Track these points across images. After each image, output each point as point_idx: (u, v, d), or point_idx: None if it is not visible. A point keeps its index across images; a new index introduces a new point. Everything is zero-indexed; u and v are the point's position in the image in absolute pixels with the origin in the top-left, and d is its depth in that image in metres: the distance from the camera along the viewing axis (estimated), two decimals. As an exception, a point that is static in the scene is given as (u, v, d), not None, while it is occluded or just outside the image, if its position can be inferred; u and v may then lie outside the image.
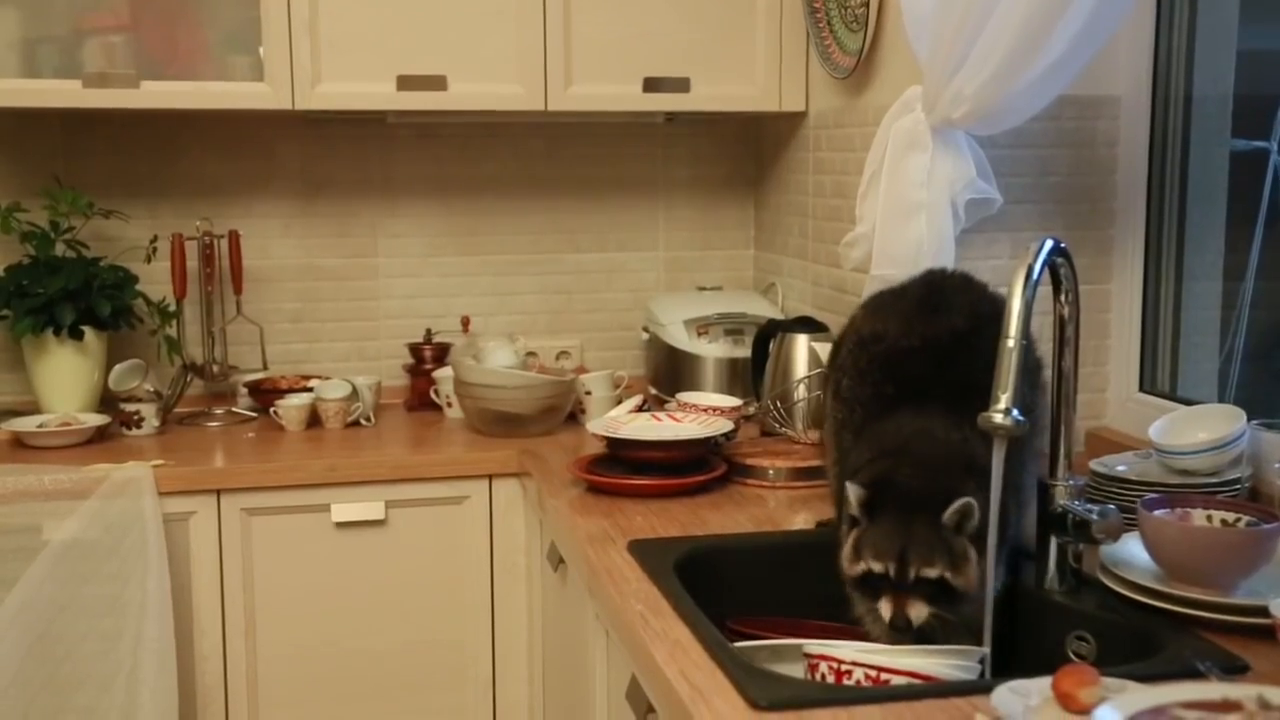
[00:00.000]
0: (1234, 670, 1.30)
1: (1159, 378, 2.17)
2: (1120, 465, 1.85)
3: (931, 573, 1.42)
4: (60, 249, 2.62)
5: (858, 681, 1.31)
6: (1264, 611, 1.35)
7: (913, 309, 1.67)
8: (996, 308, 1.61)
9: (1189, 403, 1.98)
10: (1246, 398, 2.00)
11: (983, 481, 1.41)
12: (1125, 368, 2.18)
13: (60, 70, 2.45)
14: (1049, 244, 1.44)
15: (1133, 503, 1.65)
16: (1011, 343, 1.36)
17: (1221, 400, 2.01)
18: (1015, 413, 1.34)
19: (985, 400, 1.45)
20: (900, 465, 1.50)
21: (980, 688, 1.24)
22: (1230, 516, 1.52)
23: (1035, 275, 1.40)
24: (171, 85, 2.47)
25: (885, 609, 1.43)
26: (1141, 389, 2.17)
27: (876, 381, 1.64)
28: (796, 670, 1.40)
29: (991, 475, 1.38)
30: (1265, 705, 0.88)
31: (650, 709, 1.47)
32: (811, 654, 1.36)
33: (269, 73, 2.49)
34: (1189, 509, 1.53)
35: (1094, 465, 1.85)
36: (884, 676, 1.30)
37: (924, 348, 1.62)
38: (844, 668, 1.32)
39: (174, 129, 2.79)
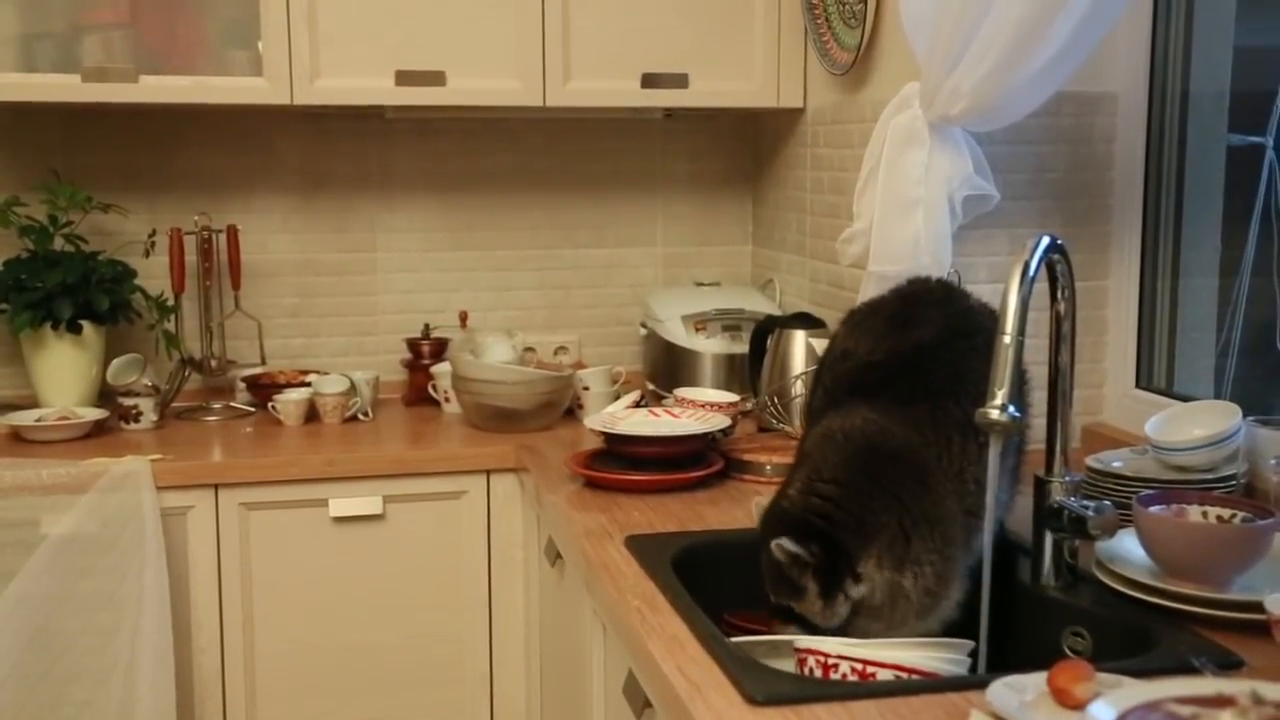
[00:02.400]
0: (1229, 665, 1.30)
1: (1155, 374, 2.18)
2: (1116, 461, 1.86)
3: (782, 601, 1.46)
4: (59, 243, 2.62)
5: (844, 675, 1.32)
6: (1259, 607, 1.35)
7: (884, 325, 1.64)
8: (971, 322, 1.61)
9: (1185, 399, 1.99)
10: (1242, 393, 2.01)
11: (886, 469, 1.45)
12: (1122, 364, 2.19)
13: (59, 65, 2.45)
14: (1045, 240, 1.44)
15: (1128, 499, 1.65)
16: (1008, 339, 1.36)
17: (1217, 396, 2.01)
18: (1012, 409, 1.34)
19: (936, 399, 1.50)
20: (789, 483, 1.53)
21: (976, 683, 1.25)
22: (1225, 512, 1.52)
23: (1032, 272, 1.40)
24: (170, 80, 2.48)
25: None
26: (1138, 385, 2.17)
27: (836, 393, 1.62)
28: (793, 665, 1.40)
29: (988, 473, 1.39)
30: (1259, 700, 0.88)
31: (647, 704, 1.48)
32: (800, 648, 1.37)
33: (267, 68, 2.49)
34: (1184, 505, 1.54)
35: (1090, 461, 1.85)
36: (870, 669, 1.31)
37: (885, 362, 1.59)
38: (830, 661, 1.33)
39: (172, 123, 2.79)
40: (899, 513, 1.43)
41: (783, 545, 1.42)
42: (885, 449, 1.48)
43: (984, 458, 1.44)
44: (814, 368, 1.80)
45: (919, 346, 1.58)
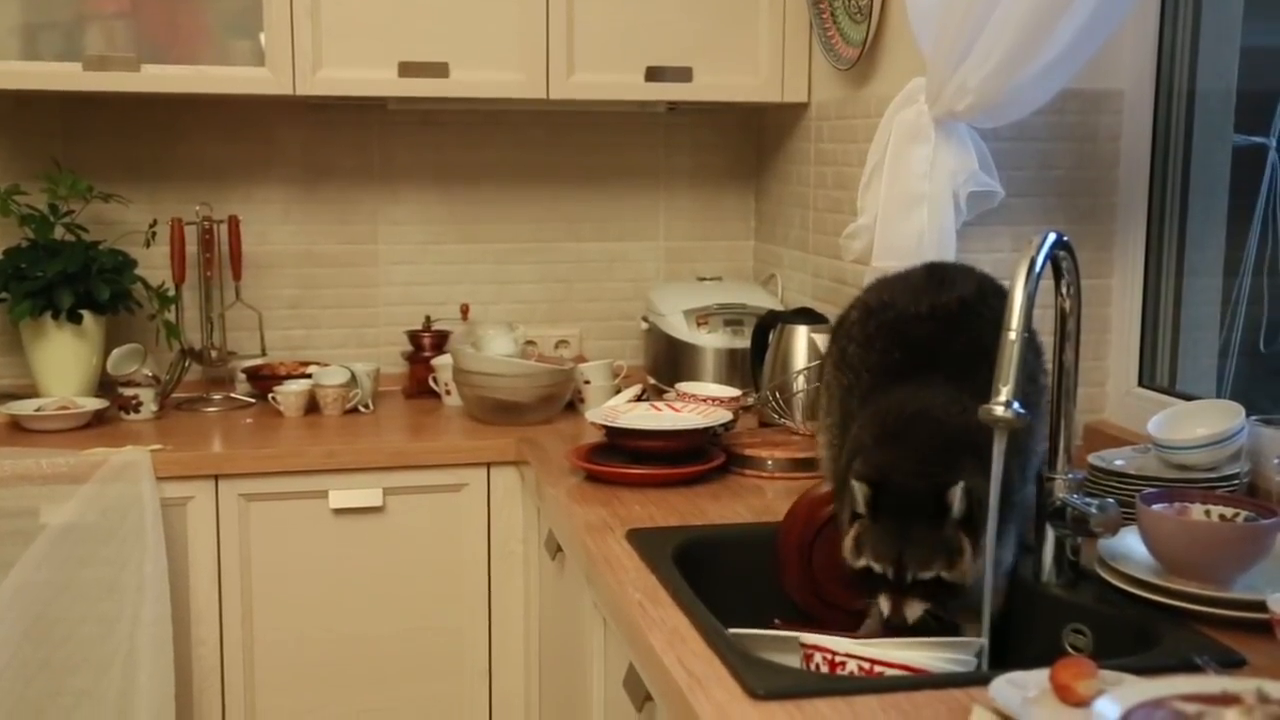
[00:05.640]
0: (1231, 664, 1.30)
1: (1158, 372, 2.17)
2: (1118, 460, 1.85)
3: (927, 575, 1.43)
4: (59, 232, 2.62)
5: (851, 673, 1.31)
6: (1261, 606, 1.35)
7: (920, 284, 1.67)
8: (1000, 286, 1.65)
9: (1188, 398, 1.99)
10: (1241, 393, 2.00)
11: (985, 459, 1.41)
12: (1125, 362, 2.18)
13: (61, 53, 2.44)
14: (1052, 237, 1.44)
15: (1130, 497, 1.66)
16: (1013, 335, 1.35)
17: (1219, 396, 2.01)
18: (1016, 405, 1.33)
19: (989, 359, 1.44)
20: (901, 457, 1.48)
21: (978, 679, 1.24)
22: (1228, 511, 1.52)
23: (1038, 268, 1.40)
24: (172, 69, 2.47)
25: (884, 606, 1.45)
26: (1141, 384, 2.17)
27: (884, 348, 1.62)
28: (794, 660, 1.40)
29: (992, 464, 1.38)
30: (1264, 699, 0.88)
31: (648, 697, 1.47)
32: (806, 645, 1.36)
33: (270, 58, 2.48)
34: (1187, 504, 1.53)
35: (1092, 459, 1.85)
36: (878, 669, 1.30)
37: (932, 315, 1.60)
38: (838, 659, 1.32)
39: (174, 113, 2.78)
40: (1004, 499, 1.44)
41: (966, 487, 1.41)
42: (979, 440, 1.43)
43: (1032, 428, 1.48)
44: (834, 327, 1.78)
45: (963, 301, 1.60)
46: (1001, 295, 1.58)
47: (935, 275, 1.69)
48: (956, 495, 1.41)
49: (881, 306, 1.66)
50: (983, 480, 1.41)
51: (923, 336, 1.59)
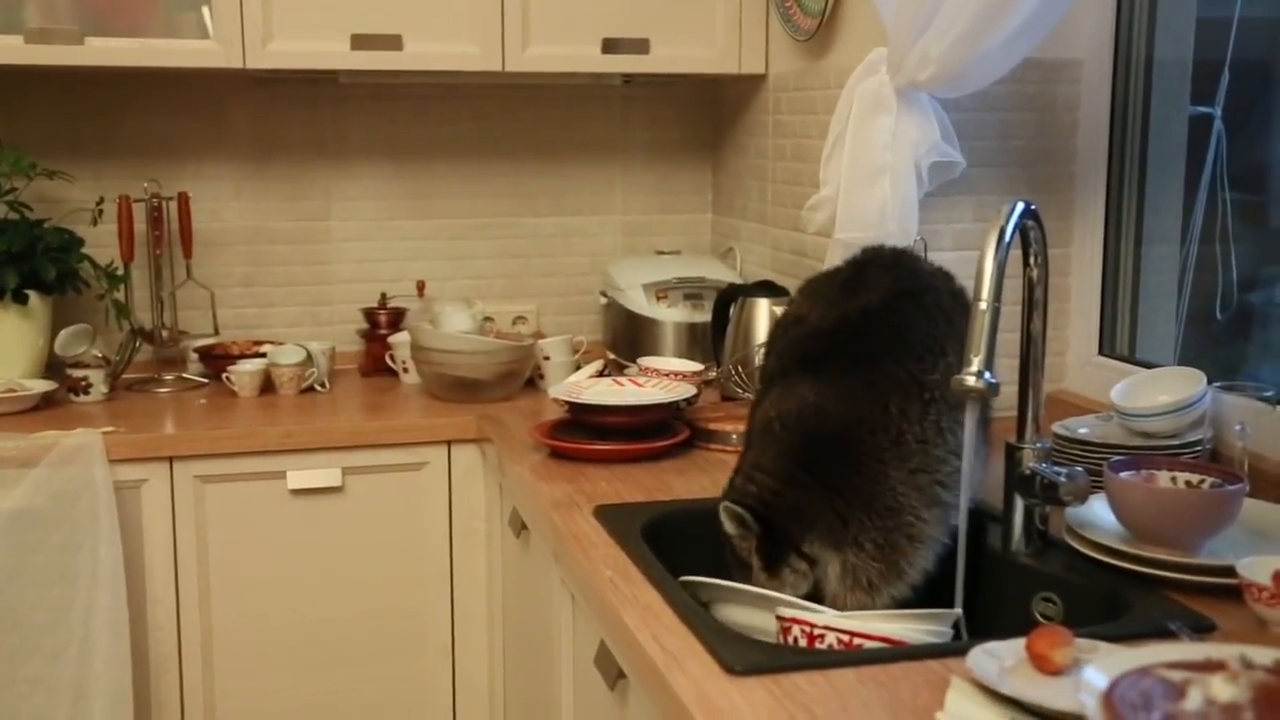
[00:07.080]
0: (1202, 629, 1.31)
1: (1118, 341, 2.19)
2: (1082, 428, 1.86)
3: (738, 578, 1.51)
4: (1, 210, 2.55)
5: (830, 646, 1.31)
6: (1228, 571, 1.36)
7: (836, 293, 1.63)
8: (919, 282, 1.61)
9: (1148, 365, 2.00)
10: (1194, 359, 2.02)
11: (820, 457, 1.47)
12: (1085, 331, 2.20)
13: (1, 26, 2.37)
14: (1020, 206, 1.43)
15: (1095, 465, 1.67)
16: (984, 305, 1.35)
17: (1175, 363, 2.02)
18: (988, 375, 1.33)
19: (877, 362, 1.50)
20: (746, 464, 1.55)
21: (954, 650, 1.25)
22: (1194, 478, 1.53)
23: (1007, 237, 1.40)
24: (117, 42, 2.40)
25: None
26: (1101, 352, 2.18)
27: (787, 361, 1.62)
28: (763, 616, 1.40)
29: (965, 438, 1.38)
30: (1248, 664, 0.88)
31: (621, 675, 1.46)
32: (784, 617, 1.36)
33: (218, 30, 2.43)
34: (1154, 471, 1.54)
35: (1056, 428, 1.86)
36: (856, 641, 1.30)
37: (834, 328, 1.58)
38: (816, 631, 1.32)
39: (120, 87, 2.71)
40: (832, 499, 1.46)
41: (730, 507, 1.49)
42: (819, 435, 1.49)
43: (927, 417, 1.48)
44: (768, 337, 1.79)
45: (865, 310, 1.57)
46: (912, 296, 1.57)
47: (857, 280, 1.62)
48: (722, 514, 1.50)
49: (797, 320, 1.64)
50: (801, 492, 1.47)
51: (818, 347, 1.57)
